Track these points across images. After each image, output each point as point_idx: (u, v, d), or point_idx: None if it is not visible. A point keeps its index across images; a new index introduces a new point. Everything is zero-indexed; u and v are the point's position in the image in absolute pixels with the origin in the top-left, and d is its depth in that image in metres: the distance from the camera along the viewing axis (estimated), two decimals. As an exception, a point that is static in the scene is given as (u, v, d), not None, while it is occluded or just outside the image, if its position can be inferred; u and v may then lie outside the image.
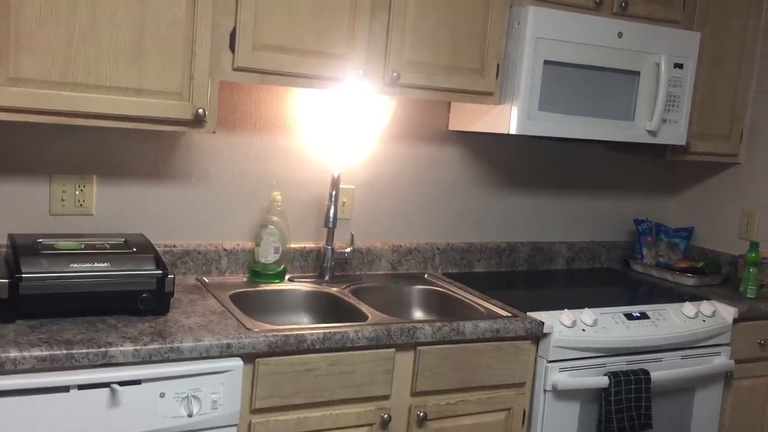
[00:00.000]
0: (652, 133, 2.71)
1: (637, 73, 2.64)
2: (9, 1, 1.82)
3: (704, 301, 2.70)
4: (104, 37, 1.94)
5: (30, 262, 1.89)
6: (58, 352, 1.71)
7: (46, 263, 1.91)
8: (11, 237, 2.06)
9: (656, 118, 2.67)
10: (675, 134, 2.77)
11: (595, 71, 2.56)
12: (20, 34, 1.85)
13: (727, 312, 2.70)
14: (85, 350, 1.74)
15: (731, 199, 3.18)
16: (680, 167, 3.35)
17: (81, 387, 1.73)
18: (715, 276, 3.05)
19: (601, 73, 2.57)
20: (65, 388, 1.72)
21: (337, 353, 2.05)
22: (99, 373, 1.75)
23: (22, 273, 1.85)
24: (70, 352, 1.72)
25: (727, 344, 2.69)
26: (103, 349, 1.75)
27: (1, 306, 1.84)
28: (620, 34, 2.58)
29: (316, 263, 2.64)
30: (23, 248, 1.96)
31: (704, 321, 2.63)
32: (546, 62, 2.46)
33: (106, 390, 1.76)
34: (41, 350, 1.70)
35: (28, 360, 1.68)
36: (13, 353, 1.67)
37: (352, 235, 2.65)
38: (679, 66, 2.71)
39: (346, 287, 2.52)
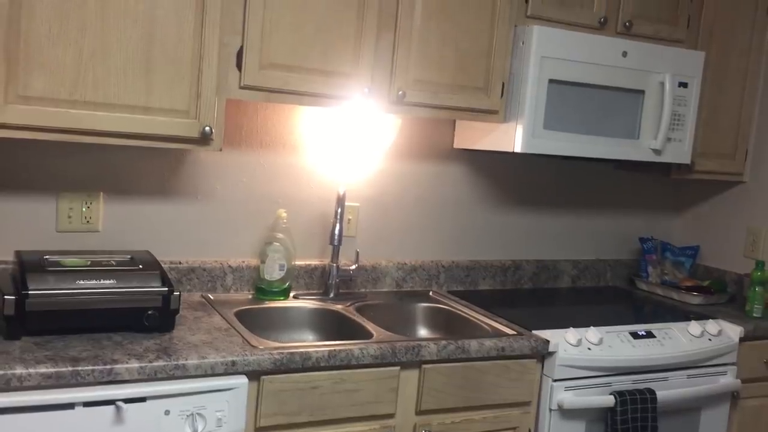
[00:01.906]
0: (657, 151, 2.71)
1: (642, 92, 2.65)
2: (19, 20, 1.84)
3: (710, 320, 2.70)
4: (113, 55, 1.95)
5: (37, 279, 1.90)
6: (63, 369, 1.71)
7: (53, 280, 1.91)
8: (18, 254, 2.06)
9: (661, 137, 2.68)
10: (680, 153, 2.77)
11: (599, 90, 2.57)
12: (30, 53, 1.87)
13: (733, 331, 2.69)
14: (90, 367, 1.74)
15: (737, 217, 3.17)
16: (685, 186, 3.35)
17: (86, 404, 1.73)
18: (721, 295, 3.04)
19: (606, 92, 2.58)
20: (70, 405, 1.72)
21: (342, 371, 2.04)
22: (104, 390, 1.75)
23: (28, 290, 1.86)
24: (75, 369, 1.72)
25: (733, 363, 2.67)
26: (108, 366, 1.75)
27: (8, 322, 1.85)
28: (625, 54, 2.59)
29: (321, 280, 2.65)
30: (30, 265, 1.96)
31: (710, 340, 2.62)
32: (551, 81, 2.48)
33: (111, 407, 1.76)
34: (47, 367, 1.70)
35: (33, 377, 1.68)
36: (19, 370, 1.68)
37: (357, 253, 2.65)
38: (684, 85, 2.72)
39: (350, 305, 2.52)
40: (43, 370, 1.69)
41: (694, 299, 2.99)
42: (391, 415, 2.14)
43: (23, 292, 1.85)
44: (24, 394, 1.68)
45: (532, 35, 2.44)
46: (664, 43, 2.73)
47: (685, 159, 2.80)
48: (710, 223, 3.29)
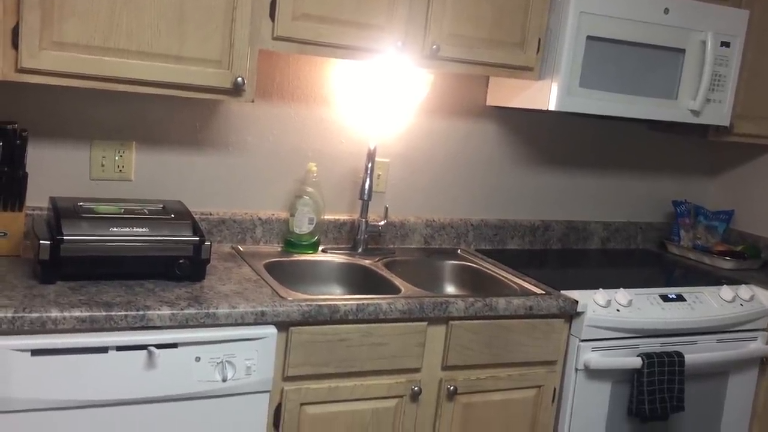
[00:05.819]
0: (696, 112, 2.65)
1: (682, 51, 2.58)
2: (54, -34, 1.84)
3: (742, 285, 2.66)
4: (147, 3, 1.94)
5: (71, 225, 1.92)
6: (97, 314, 1.74)
7: (87, 226, 1.94)
8: (53, 200, 2.09)
9: (700, 98, 2.61)
10: (719, 114, 2.71)
11: (639, 48, 2.51)
12: (64, 0, 1.87)
13: (766, 297, 2.65)
14: (123, 312, 1.77)
15: (774, 182, 3.12)
16: (722, 148, 3.28)
17: (119, 348, 1.77)
18: (755, 260, 2.99)
19: (645, 50, 2.52)
20: (104, 349, 1.75)
21: (370, 325, 2.06)
22: (137, 336, 1.79)
23: (63, 235, 1.88)
24: (109, 314, 1.75)
25: (763, 329, 2.64)
26: (141, 312, 1.78)
27: (43, 267, 1.88)
28: (666, 10, 2.52)
29: (349, 235, 2.65)
30: (64, 211, 1.98)
31: (742, 305, 2.59)
32: (589, 38, 2.42)
33: (144, 352, 1.79)
34: (81, 311, 1.73)
35: (68, 320, 1.72)
36: (54, 313, 1.71)
37: (386, 209, 2.65)
38: (726, 44, 2.64)
39: (378, 260, 2.52)
40: (77, 314, 1.73)
41: (727, 264, 2.95)
42: (417, 370, 2.15)
43: (58, 237, 1.88)
44: (59, 336, 1.72)
45: (571, -11, 2.38)
46: (707, 1, 2.64)
47: (724, 121, 2.73)
48: (746, 188, 3.22)
